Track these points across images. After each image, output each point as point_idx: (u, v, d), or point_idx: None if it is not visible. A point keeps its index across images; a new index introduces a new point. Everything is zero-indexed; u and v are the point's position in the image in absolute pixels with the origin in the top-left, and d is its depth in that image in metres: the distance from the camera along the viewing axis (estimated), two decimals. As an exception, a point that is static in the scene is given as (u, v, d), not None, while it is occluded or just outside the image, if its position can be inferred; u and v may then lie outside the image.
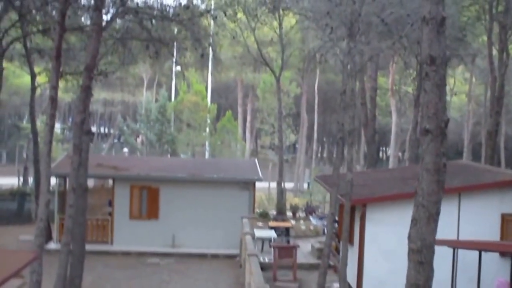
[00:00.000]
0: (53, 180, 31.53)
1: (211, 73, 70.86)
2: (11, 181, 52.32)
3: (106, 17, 23.80)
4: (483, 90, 63.64)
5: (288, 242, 33.44)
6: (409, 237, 11.49)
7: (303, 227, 38.75)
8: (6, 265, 14.98)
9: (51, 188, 23.97)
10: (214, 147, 63.74)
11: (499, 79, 38.70)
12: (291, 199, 52.54)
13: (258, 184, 37.42)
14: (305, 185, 72.19)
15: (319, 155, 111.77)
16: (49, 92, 20.37)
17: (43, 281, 20.45)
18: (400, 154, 79.07)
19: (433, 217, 11.32)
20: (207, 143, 64.57)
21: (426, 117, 10.62)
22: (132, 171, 36.01)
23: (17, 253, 18.60)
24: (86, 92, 20.65)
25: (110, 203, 36.28)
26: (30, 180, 54.28)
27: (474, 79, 67.71)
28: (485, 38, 43.33)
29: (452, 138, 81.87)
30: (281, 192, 42.74)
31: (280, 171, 43.75)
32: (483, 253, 21.58)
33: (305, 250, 33.16)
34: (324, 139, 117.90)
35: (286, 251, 28.12)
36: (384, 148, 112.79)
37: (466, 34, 39.08)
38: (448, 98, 69.80)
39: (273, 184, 52.40)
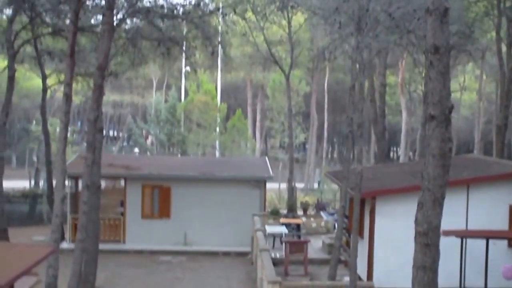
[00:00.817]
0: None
1: (221, 71, 71.02)
2: (21, 184, 52.51)
3: (117, 17, 24.17)
4: (495, 87, 63.62)
5: (299, 237, 33.66)
6: (416, 221, 11.78)
7: (314, 225, 38.92)
8: (26, 258, 15.37)
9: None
10: (225, 146, 63.89)
11: (508, 74, 38.82)
12: (302, 198, 52.67)
13: (268, 185, 37.60)
14: (316, 185, 72.32)
15: (329, 155, 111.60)
16: (63, 89, 20.75)
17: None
18: (411, 153, 79.06)
19: (439, 201, 11.59)
20: (217, 143, 64.72)
21: (431, 104, 10.91)
22: (144, 170, 36.26)
23: (35, 247, 19.00)
24: (98, 90, 21.01)
25: (122, 204, 36.51)
26: (41, 182, 54.55)
27: (484, 76, 67.65)
28: (494, 34, 43.36)
29: (463, 137, 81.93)
30: (291, 189, 42.89)
31: (290, 168, 43.90)
32: (491, 245, 21.85)
33: (316, 246, 33.35)
34: (335, 140, 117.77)
35: (297, 246, 28.35)
36: (395, 149, 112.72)
37: (474, 29, 39.13)
38: (458, 95, 70.08)
39: (284, 185, 52.57)
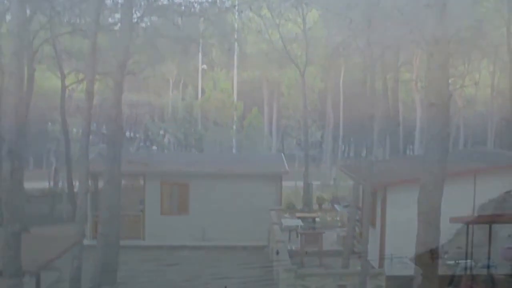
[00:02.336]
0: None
1: (237, 69, 71.12)
2: (39, 186, 52.76)
3: (136, 15, 24.80)
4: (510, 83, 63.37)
5: (314, 229, 34.11)
6: (418, 201, 12.42)
7: (329, 219, 39.30)
8: (52, 248, 16.06)
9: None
10: (241, 144, 64.05)
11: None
12: (318, 194, 52.84)
13: (284, 183, 37.93)
14: (332, 182, 72.42)
15: (346, 154, 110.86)
16: (86, 86, 21.37)
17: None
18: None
19: (439, 182, 12.18)
20: (234, 141, 64.92)
21: (431, 92, 11.52)
22: (163, 168, 36.79)
23: (60, 239, 19.67)
24: (119, 87, 21.67)
25: (142, 203, 37.06)
26: (60, 183, 54.95)
27: (499, 73, 67.41)
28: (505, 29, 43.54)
29: (480, 134, 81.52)
30: (307, 184, 43.27)
31: (306, 163, 44.32)
32: (499, 233, 22.36)
33: (331, 239, 33.68)
34: (351, 139, 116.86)
35: (312, 237, 28.87)
36: (412, 147, 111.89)
37: (484, 24, 39.38)
38: (473, 91, 69.89)
39: (300, 183, 52.75)
